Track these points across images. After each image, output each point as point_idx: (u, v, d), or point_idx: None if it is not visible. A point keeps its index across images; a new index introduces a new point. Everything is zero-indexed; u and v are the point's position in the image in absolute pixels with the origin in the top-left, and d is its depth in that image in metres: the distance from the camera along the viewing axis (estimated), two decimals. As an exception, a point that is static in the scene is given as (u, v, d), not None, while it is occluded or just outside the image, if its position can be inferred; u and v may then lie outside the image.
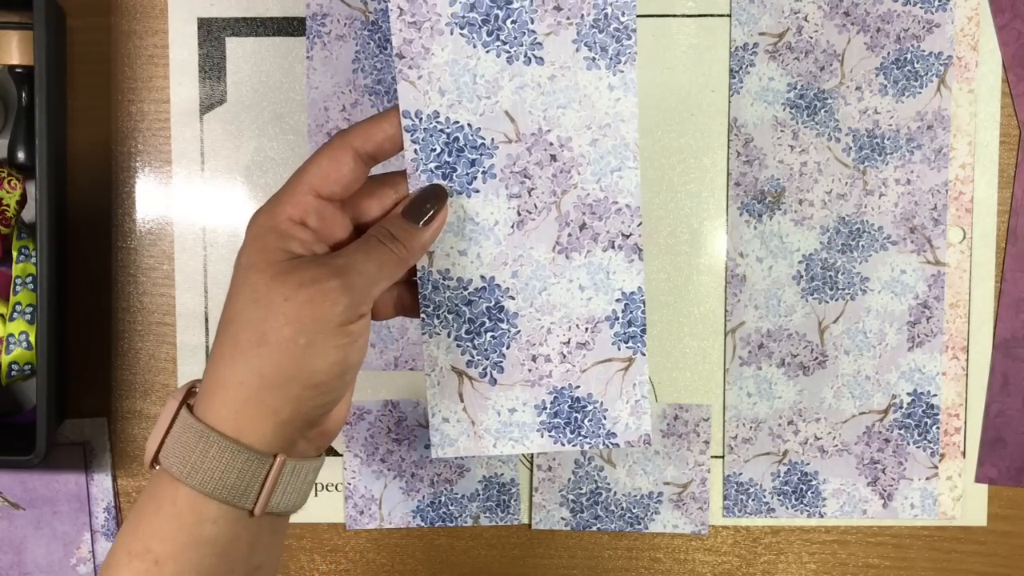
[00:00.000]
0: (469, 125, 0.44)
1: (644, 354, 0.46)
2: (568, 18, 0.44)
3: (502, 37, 0.44)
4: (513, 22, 0.44)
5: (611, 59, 0.44)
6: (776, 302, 0.66)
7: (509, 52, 0.44)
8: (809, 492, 0.67)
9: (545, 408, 0.46)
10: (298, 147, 0.66)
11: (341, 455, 0.68)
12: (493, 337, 0.46)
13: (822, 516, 0.67)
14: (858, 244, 0.66)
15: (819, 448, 0.67)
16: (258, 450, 0.38)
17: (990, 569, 0.68)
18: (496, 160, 0.44)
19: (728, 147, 0.66)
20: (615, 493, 0.67)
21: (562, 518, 0.68)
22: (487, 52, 0.44)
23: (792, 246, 0.66)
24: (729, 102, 0.66)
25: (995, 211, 0.66)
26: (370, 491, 0.68)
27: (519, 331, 0.46)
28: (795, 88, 0.66)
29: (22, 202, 0.63)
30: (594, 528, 0.68)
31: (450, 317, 0.45)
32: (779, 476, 0.67)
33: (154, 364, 0.67)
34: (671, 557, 0.68)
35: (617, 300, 0.46)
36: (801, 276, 0.66)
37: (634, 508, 0.67)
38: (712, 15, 0.66)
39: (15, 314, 0.61)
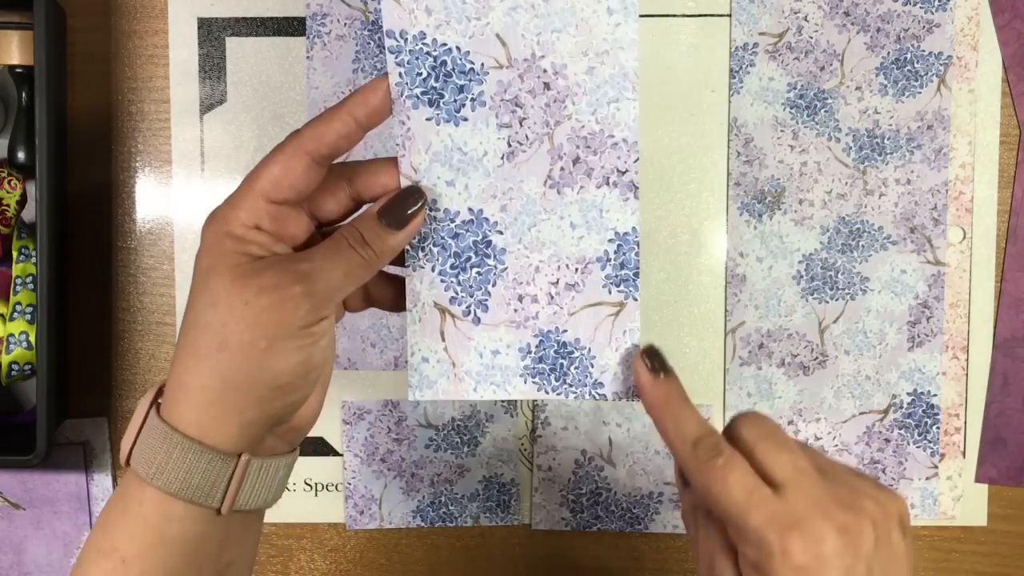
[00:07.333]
0: (457, 48, 0.41)
1: (636, 299, 0.43)
2: None
3: None
4: None
5: None
6: (776, 302, 0.66)
7: None
8: (809, 492, 0.67)
9: (530, 352, 0.44)
10: (298, 147, 0.66)
11: (341, 455, 0.68)
12: (479, 273, 0.43)
13: (822, 516, 0.67)
14: (858, 244, 0.66)
15: (819, 448, 0.67)
16: (222, 450, 0.38)
17: (990, 569, 0.68)
18: (486, 87, 0.42)
19: (728, 147, 0.66)
20: (615, 493, 0.67)
21: (562, 518, 0.68)
22: None
23: (792, 246, 0.66)
24: (729, 102, 0.66)
25: (995, 211, 0.66)
26: (370, 491, 0.68)
27: (506, 268, 0.43)
28: (795, 88, 0.66)
29: (22, 202, 0.63)
30: (594, 528, 0.68)
31: (435, 250, 0.43)
32: (779, 476, 0.67)
33: (154, 364, 0.67)
34: (671, 557, 0.68)
35: (610, 240, 0.43)
36: (801, 276, 0.66)
37: (634, 508, 0.67)
38: (712, 15, 0.66)
39: (15, 314, 0.61)
